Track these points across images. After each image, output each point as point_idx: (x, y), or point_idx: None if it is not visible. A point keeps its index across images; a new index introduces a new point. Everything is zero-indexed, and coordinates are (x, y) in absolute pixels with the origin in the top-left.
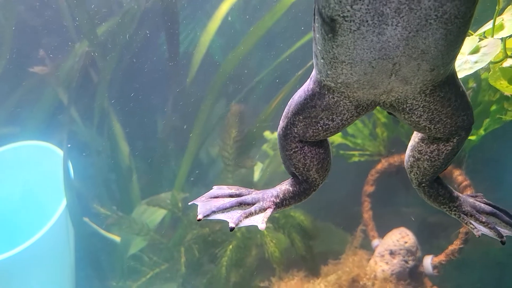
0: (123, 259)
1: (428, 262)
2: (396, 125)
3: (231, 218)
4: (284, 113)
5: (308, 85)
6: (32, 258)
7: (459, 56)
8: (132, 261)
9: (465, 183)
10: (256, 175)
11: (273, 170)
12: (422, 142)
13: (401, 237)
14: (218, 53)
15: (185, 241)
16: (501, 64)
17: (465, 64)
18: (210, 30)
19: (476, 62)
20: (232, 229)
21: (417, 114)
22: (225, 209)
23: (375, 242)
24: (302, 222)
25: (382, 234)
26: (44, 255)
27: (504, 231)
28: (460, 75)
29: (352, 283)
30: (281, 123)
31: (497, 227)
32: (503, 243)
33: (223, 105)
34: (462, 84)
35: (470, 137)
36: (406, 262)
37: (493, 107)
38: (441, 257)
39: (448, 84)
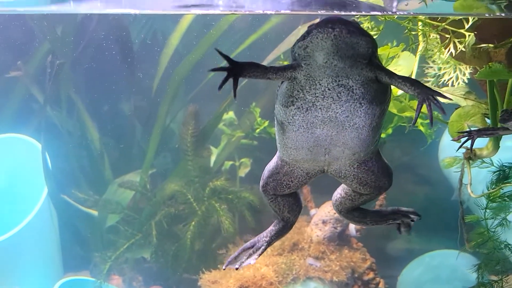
0: (102, 231)
1: (353, 227)
2: None
3: (238, 263)
4: (262, 176)
5: (275, 158)
6: (22, 242)
7: None
8: (110, 233)
9: None
10: (212, 161)
11: (227, 153)
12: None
13: (331, 209)
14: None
15: (155, 217)
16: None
17: None
18: (181, 28)
19: None
20: (237, 268)
21: (350, 179)
22: (235, 257)
23: (313, 211)
24: (252, 201)
25: (318, 204)
26: (32, 238)
27: (403, 229)
28: None
29: (293, 246)
30: (261, 182)
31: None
32: (400, 232)
33: (184, 92)
34: (384, 158)
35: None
36: (335, 228)
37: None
38: None
39: (371, 160)
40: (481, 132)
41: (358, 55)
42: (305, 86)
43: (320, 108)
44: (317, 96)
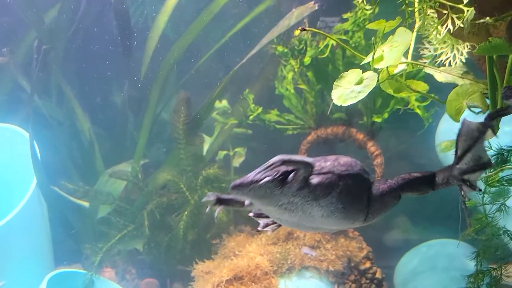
0: (94, 223)
1: None
2: (322, 103)
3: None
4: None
5: None
6: (10, 234)
7: (347, 86)
8: (101, 224)
9: (376, 152)
10: (205, 149)
11: (221, 142)
12: None
13: None
14: (169, 28)
15: (147, 207)
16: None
17: (351, 93)
18: (166, 9)
19: (359, 92)
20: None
21: None
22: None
23: None
24: None
25: None
26: (21, 230)
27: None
28: (348, 102)
29: (288, 235)
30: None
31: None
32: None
33: (175, 79)
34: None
35: (376, 119)
36: None
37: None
38: None
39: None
40: (495, 114)
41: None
42: (268, 213)
43: (292, 217)
44: (281, 214)
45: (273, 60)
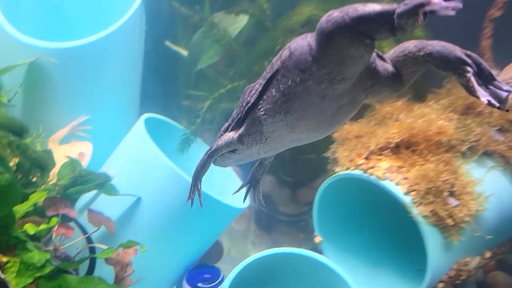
0: (190, 73)
1: None
2: None
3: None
4: None
5: None
6: (108, 47)
7: None
8: (202, 77)
9: None
10: None
11: None
12: None
13: None
14: None
15: (272, 54)
16: None
17: None
18: None
19: None
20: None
21: None
22: None
23: (494, 72)
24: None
25: (501, 66)
26: (119, 46)
27: None
28: None
29: (467, 109)
30: None
31: None
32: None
33: None
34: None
35: None
36: None
37: None
38: None
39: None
40: None
41: None
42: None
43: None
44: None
45: None
